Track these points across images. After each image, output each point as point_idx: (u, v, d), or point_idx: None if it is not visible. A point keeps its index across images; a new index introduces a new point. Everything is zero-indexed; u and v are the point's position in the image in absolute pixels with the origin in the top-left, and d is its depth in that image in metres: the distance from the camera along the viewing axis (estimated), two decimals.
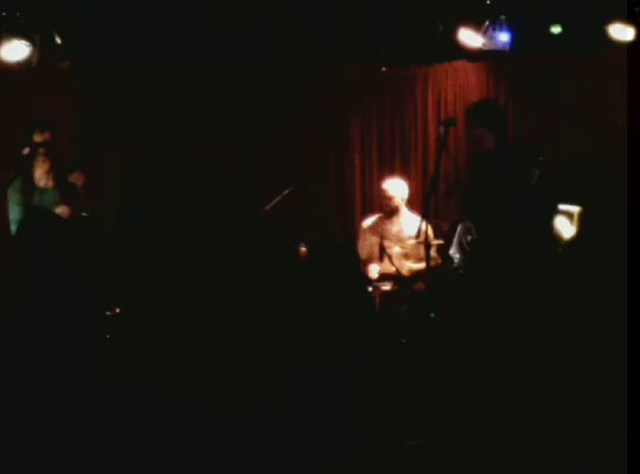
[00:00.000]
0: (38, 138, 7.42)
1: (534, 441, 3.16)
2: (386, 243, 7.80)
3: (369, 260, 7.84)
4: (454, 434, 3.37)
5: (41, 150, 7.43)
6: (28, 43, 7.76)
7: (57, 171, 7.51)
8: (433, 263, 7.35)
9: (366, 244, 7.95)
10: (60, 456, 3.05)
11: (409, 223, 7.89)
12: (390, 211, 8.01)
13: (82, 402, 3.07)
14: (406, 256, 7.89)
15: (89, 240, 3.54)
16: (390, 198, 7.98)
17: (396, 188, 8.05)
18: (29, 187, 7.43)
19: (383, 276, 7.72)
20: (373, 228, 8.02)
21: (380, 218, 8.08)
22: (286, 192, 7.78)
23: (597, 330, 3.20)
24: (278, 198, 7.74)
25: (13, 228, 7.27)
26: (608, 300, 3.22)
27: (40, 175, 7.48)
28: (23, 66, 7.91)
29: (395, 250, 7.81)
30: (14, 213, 7.44)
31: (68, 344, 3.18)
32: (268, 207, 7.64)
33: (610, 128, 8.39)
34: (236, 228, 3.26)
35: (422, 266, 7.74)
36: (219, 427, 2.99)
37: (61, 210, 7.24)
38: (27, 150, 7.39)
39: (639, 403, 3.02)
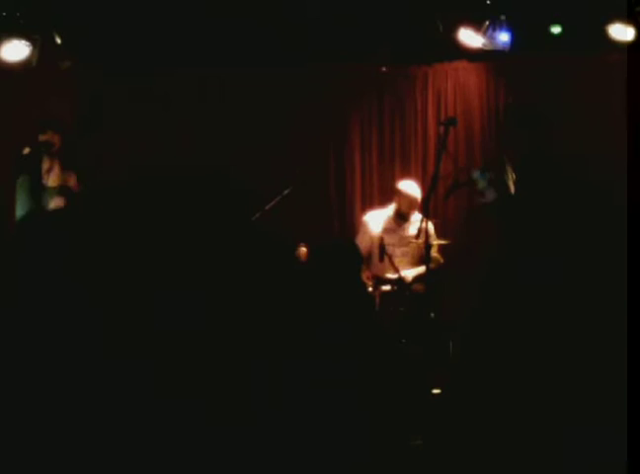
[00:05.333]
0: (44, 138, 7.41)
1: (535, 440, 3.16)
2: (390, 241, 7.74)
3: (370, 258, 7.77)
4: (455, 433, 3.37)
5: (43, 149, 7.42)
6: (28, 43, 7.76)
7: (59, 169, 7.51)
8: (433, 265, 7.34)
9: (366, 241, 7.86)
10: (58, 458, 3.04)
11: (416, 224, 7.85)
12: (409, 217, 7.91)
13: (81, 403, 3.07)
14: (412, 257, 7.85)
15: (86, 239, 3.54)
16: (417, 207, 7.86)
17: (420, 194, 7.92)
18: (36, 186, 7.42)
19: (383, 278, 7.70)
20: (384, 229, 7.88)
21: (390, 218, 7.96)
22: (286, 192, 7.77)
23: (598, 329, 3.20)
24: (278, 198, 7.73)
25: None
26: (609, 298, 3.22)
27: (43, 173, 7.48)
28: (23, 66, 7.91)
29: (402, 249, 7.78)
30: (20, 214, 7.41)
31: (67, 345, 3.18)
32: (268, 207, 7.64)
33: (610, 128, 8.39)
34: (234, 229, 3.26)
35: (423, 268, 7.71)
36: (220, 428, 2.99)
37: (56, 204, 7.26)
38: (27, 150, 7.39)
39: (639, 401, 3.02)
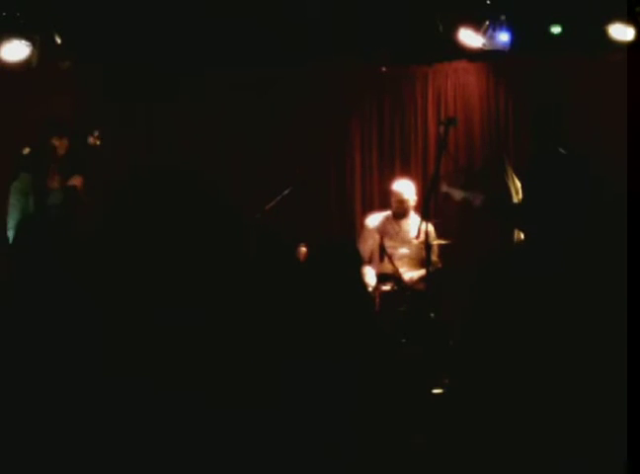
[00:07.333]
0: (56, 143, 7.41)
1: (536, 441, 3.16)
2: (390, 243, 7.78)
3: (372, 260, 7.81)
4: (456, 433, 3.37)
5: (50, 152, 7.42)
6: (28, 43, 7.76)
7: (61, 172, 7.51)
8: (431, 269, 7.34)
9: (369, 244, 7.91)
10: (58, 457, 3.04)
11: (415, 225, 7.86)
12: (401, 213, 7.97)
13: (80, 403, 3.06)
14: (411, 259, 7.87)
15: (86, 242, 3.54)
16: (404, 202, 7.95)
17: (410, 190, 8.01)
18: (36, 187, 7.40)
19: (383, 277, 7.71)
20: (380, 229, 7.95)
21: (388, 219, 8.03)
22: (286, 192, 7.78)
23: (598, 327, 3.19)
24: (278, 198, 7.74)
25: (10, 234, 7.21)
26: (611, 297, 3.22)
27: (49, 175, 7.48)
28: (23, 66, 7.91)
29: (402, 251, 7.82)
30: (12, 218, 7.37)
31: (65, 346, 3.18)
32: (268, 207, 7.65)
33: (610, 128, 8.38)
34: (231, 230, 3.26)
35: (424, 271, 7.70)
36: (219, 426, 2.99)
37: (74, 181, 7.30)
38: (27, 150, 7.37)
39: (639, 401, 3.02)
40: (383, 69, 8.93)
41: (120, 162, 8.69)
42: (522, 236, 6.81)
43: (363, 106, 9.13)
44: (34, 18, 7.73)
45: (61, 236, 3.44)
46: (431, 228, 7.41)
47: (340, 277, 3.89)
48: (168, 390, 2.96)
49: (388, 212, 8.07)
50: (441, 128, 7.65)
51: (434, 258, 7.68)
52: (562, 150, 6.63)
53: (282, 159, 8.88)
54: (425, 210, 7.22)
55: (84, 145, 7.66)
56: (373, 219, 8.08)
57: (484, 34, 7.91)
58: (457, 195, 7.02)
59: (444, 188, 7.13)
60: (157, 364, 2.98)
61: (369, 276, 7.65)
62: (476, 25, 7.92)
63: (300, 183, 7.98)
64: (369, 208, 8.70)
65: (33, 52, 7.81)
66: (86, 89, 8.73)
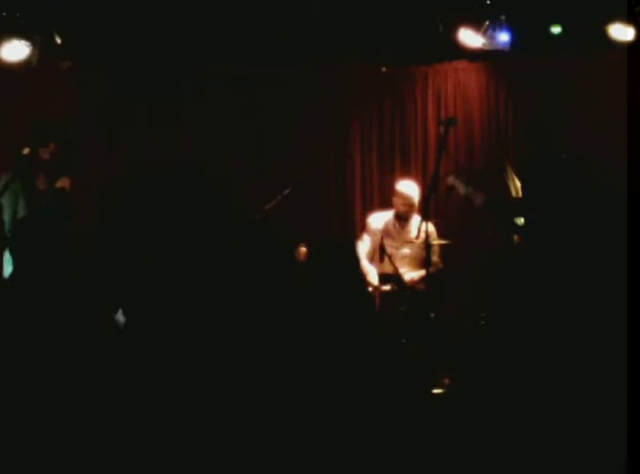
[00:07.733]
0: (49, 149, 7.42)
1: (536, 440, 3.16)
2: (392, 244, 7.78)
3: (374, 259, 7.79)
4: (456, 433, 3.37)
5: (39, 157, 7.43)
6: (28, 43, 7.76)
7: (49, 174, 7.52)
8: (432, 269, 7.32)
9: (372, 243, 7.87)
10: (57, 456, 3.04)
11: (417, 225, 7.83)
12: (407, 216, 7.93)
13: (79, 402, 3.06)
14: (413, 259, 7.86)
15: (86, 241, 3.54)
16: (413, 205, 7.91)
17: (416, 193, 7.95)
18: (30, 187, 7.41)
19: (383, 276, 7.70)
20: (383, 229, 7.91)
21: (391, 219, 7.98)
22: (286, 192, 7.77)
23: (598, 328, 3.20)
24: (278, 199, 7.74)
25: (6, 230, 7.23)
26: (610, 297, 3.22)
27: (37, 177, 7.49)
28: (23, 66, 7.92)
29: (404, 252, 7.81)
30: (6, 218, 7.38)
31: (65, 345, 3.18)
32: (268, 207, 7.65)
33: (610, 128, 8.39)
34: (232, 229, 3.26)
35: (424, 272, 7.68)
36: (219, 426, 2.99)
37: (62, 183, 7.31)
38: (27, 150, 7.37)
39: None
40: (383, 69, 8.92)
41: (120, 162, 8.70)
42: (520, 237, 6.82)
43: (363, 106, 9.13)
44: (34, 18, 7.73)
45: (57, 236, 3.44)
46: (432, 228, 7.41)
47: (339, 277, 3.89)
48: (168, 390, 2.96)
49: (391, 212, 8.03)
50: (441, 128, 7.65)
51: (435, 258, 7.68)
52: (562, 153, 6.65)
53: (282, 159, 8.88)
54: (425, 210, 7.22)
55: (71, 148, 7.66)
56: (376, 219, 8.04)
57: (484, 34, 7.91)
58: (462, 189, 7.04)
59: (451, 180, 7.14)
60: (157, 364, 2.98)
61: (372, 275, 7.63)
62: (476, 25, 7.92)
63: (300, 183, 7.97)
64: (369, 208, 8.69)
65: (33, 52, 7.81)
66: (86, 89, 8.73)
